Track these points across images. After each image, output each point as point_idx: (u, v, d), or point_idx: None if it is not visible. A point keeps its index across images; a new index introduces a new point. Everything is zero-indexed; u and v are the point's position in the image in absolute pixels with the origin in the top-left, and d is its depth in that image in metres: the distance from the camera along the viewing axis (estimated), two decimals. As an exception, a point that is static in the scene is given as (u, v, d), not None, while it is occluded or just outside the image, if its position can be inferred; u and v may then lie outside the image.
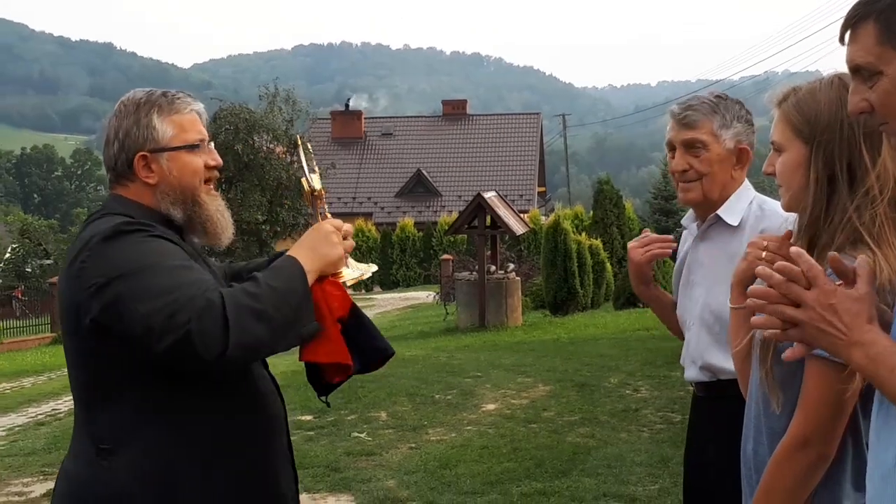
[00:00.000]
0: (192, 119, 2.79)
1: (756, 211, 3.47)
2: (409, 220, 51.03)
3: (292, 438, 9.52)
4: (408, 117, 72.73)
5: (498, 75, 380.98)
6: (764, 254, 2.17)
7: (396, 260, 49.60)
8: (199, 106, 2.86)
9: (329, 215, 2.84)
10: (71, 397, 9.95)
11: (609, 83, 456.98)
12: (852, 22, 1.99)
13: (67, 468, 2.69)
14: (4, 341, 28.84)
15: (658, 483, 7.34)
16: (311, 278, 2.59)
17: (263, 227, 43.73)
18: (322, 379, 2.88)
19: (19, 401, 14.25)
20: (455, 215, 29.56)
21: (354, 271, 2.81)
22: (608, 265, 29.05)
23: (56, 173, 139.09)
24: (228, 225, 2.86)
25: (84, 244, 2.56)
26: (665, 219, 47.19)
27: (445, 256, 36.86)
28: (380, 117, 71.76)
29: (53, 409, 13.10)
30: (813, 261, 1.93)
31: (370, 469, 8.32)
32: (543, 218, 40.48)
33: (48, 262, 50.33)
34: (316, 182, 2.77)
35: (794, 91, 2.54)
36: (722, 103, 3.46)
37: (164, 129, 2.72)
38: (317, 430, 9.88)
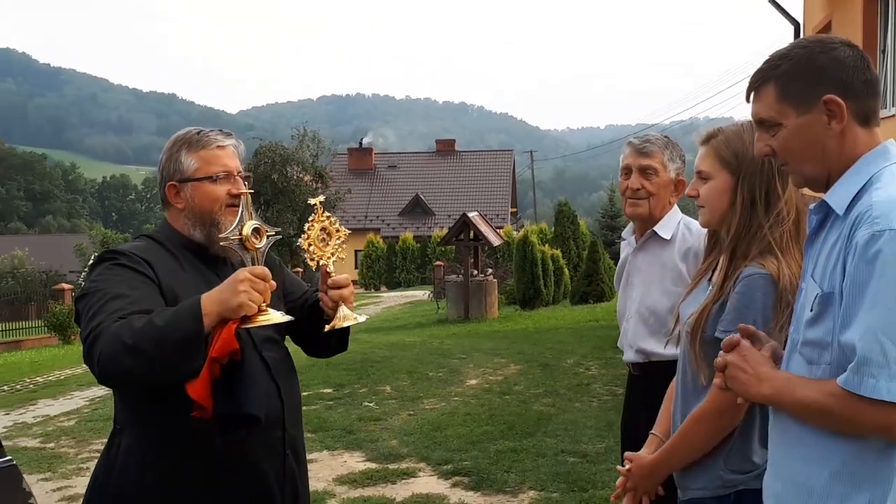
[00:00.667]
0: (217, 154, 2.66)
1: (684, 229, 3.51)
2: (409, 234, 50.94)
3: (315, 408, 9.56)
4: (409, 153, 72.48)
5: (480, 120, 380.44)
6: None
7: (399, 265, 49.56)
8: (231, 141, 2.71)
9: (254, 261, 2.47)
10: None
11: (567, 126, 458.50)
12: (756, 84, 2.02)
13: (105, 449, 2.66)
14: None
15: (604, 442, 7.34)
16: (209, 319, 2.31)
17: (294, 239, 43.68)
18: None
19: (99, 377, 14.18)
20: (445, 230, 29.53)
21: (277, 314, 2.44)
22: (566, 270, 29.07)
23: (130, 197, 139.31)
24: None
25: None
26: (610, 233, 47.38)
27: (438, 263, 36.69)
28: (386, 153, 71.37)
29: (126, 384, 13.03)
30: (738, 338, 2.04)
31: (377, 431, 8.31)
32: (515, 233, 40.34)
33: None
34: (247, 230, 2.43)
35: (720, 131, 2.56)
36: (670, 143, 3.55)
37: (188, 162, 2.64)
38: (335, 401, 9.85)
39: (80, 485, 6.93)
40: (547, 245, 28.99)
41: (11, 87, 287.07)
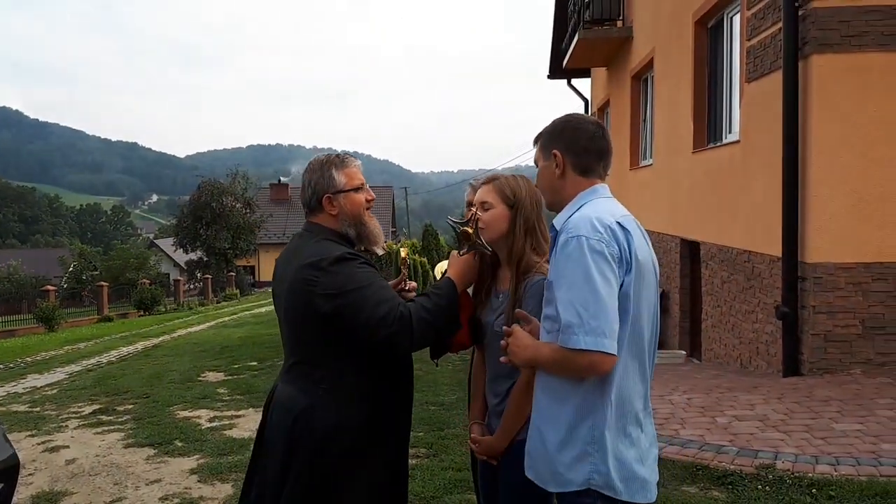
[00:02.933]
0: (356, 171, 2.58)
1: None
2: (316, 247, 50.10)
3: (244, 377, 9.13)
4: (316, 188, 71.32)
5: (368, 164, 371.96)
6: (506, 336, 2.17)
7: (309, 270, 48.69)
8: (359, 162, 2.64)
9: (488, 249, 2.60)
10: (108, 355, 9.42)
11: (431, 170, 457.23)
12: (536, 137, 2.22)
13: (298, 401, 2.42)
14: (69, 321, 27.05)
15: (456, 395, 7.38)
16: (458, 294, 2.47)
17: (229, 251, 42.49)
18: (441, 348, 2.65)
19: (76, 356, 13.37)
20: (343, 244, 29.36)
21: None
22: (430, 272, 29.34)
23: (101, 220, 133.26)
24: (381, 236, 2.62)
25: (313, 263, 2.35)
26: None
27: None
28: (299, 187, 70.13)
29: (97, 362, 12.29)
30: (513, 327, 2.13)
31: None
32: (395, 245, 40.38)
33: (95, 272, 47.76)
34: (470, 229, 2.56)
35: (501, 176, 2.58)
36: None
37: (339, 178, 2.53)
38: (259, 371, 9.56)
39: (60, 439, 6.49)
40: (417, 255, 29.13)
41: (8, 136, 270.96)
